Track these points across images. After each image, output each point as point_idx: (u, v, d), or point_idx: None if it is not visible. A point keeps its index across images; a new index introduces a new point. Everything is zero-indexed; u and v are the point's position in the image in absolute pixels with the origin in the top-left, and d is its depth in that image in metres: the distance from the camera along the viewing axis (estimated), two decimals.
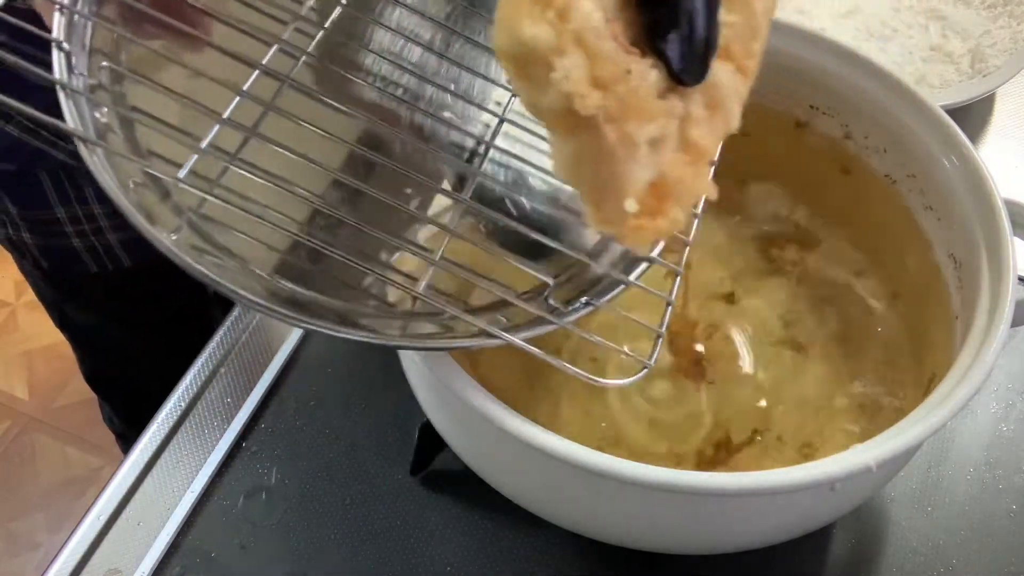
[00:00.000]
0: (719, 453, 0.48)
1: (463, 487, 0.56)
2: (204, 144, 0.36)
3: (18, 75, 0.35)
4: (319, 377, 0.61)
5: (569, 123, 0.30)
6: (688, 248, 0.43)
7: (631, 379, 0.38)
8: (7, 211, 0.75)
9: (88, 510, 0.56)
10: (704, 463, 0.47)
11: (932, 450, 0.58)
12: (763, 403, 0.50)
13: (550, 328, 0.39)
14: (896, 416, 0.43)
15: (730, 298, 0.54)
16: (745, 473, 0.39)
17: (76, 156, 0.69)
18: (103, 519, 0.55)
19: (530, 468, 0.45)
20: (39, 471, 1.41)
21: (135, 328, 0.89)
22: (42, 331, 1.57)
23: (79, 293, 0.88)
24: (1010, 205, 0.48)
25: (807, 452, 0.48)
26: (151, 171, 0.37)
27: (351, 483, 0.57)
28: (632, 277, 0.41)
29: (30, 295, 1.61)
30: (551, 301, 0.40)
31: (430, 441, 0.54)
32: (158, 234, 0.34)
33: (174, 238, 0.35)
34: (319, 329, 0.36)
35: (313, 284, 0.38)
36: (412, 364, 0.49)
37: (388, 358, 0.54)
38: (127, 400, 1.00)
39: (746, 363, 0.51)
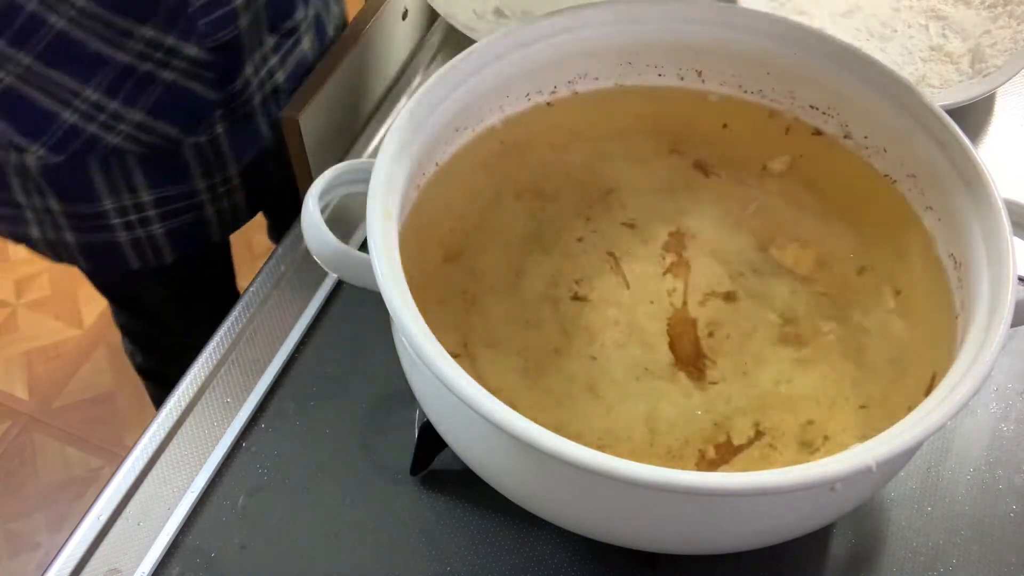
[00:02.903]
0: (719, 453, 0.48)
1: (463, 487, 0.56)
2: None
3: None
4: (319, 377, 0.61)
5: None
6: None
7: None
8: (49, 210, 0.74)
9: (88, 510, 0.56)
10: (704, 463, 0.47)
11: (932, 450, 0.58)
12: (763, 403, 0.50)
13: None
14: (896, 416, 0.43)
15: (730, 297, 0.54)
16: (745, 473, 0.39)
17: (133, 138, 0.69)
18: (103, 519, 0.55)
19: (530, 468, 0.45)
20: (39, 471, 1.41)
21: (171, 301, 0.91)
22: (42, 331, 1.57)
23: (119, 286, 0.90)
24: (1010, 205, 0.48)
25: (807, 452, 0.48)
26: None
27: (351, 483, 0.57)
28: None
29: (30, 295, 1.61)
30: None
31: (430, 441, 0.54)
32: None
33: None
34: None
35: None
36: (412, 364, 0.49)
37: (388, 357, 0.54)
38: (153, 346, 1.03)
39: (746, 362, 0.51)
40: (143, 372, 1.09)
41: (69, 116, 0.67)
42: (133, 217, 0.75)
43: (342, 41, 0.71)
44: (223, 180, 0.76)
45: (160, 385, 1.08)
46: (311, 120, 0.68)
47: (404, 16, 0.78)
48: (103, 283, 0.91)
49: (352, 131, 0.75)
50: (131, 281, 0.85)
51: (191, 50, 0.66)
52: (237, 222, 0.82)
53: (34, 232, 0.76)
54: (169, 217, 0.76)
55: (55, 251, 0.78)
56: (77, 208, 0.73)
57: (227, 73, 0.70)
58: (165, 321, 0.94)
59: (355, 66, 0.72)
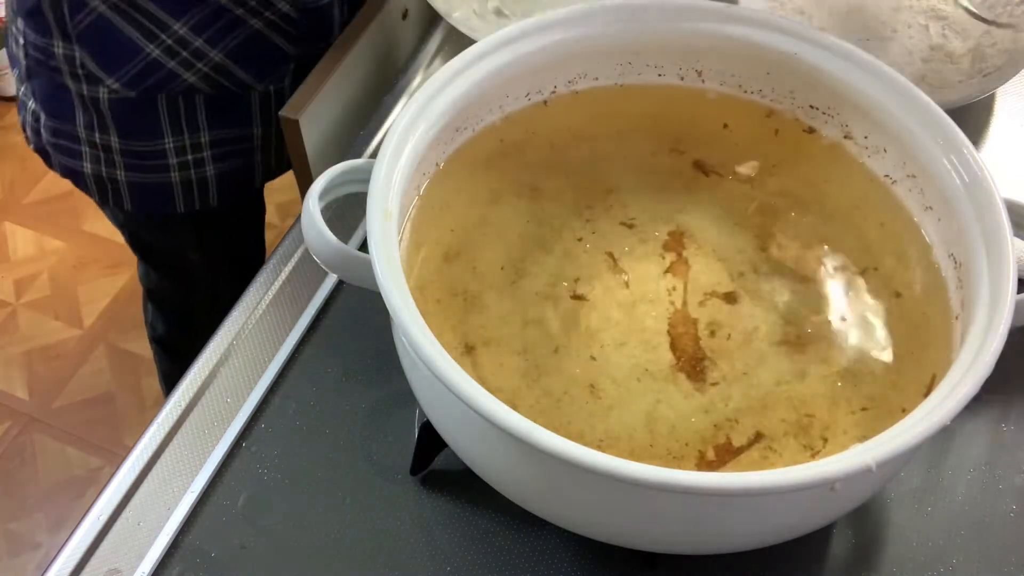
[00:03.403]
0: (719, 454, 0.48)
1: (463, 487, 0.56)
2: None
3: None
4: (319, 377, 0.61)
5: None
6: None
7: None
8: (108, 146, 0.75)
9: (88, 510, 0.56)
10: (704, 464, 0.47)
11: (932, 450, 0.58)
12: (763, 404, 0.49)
13: None
14: (896, 416, 0.43)
15: (730, 297, 0.54)
16: (745, 473, 0.39)
17: (208, 79, 0.71)
18: (103, 519, 0.55)
19: (530, 468, 0.45)
20: (39, 471, 1.41)
21: (205, 255, 0.93)
22: (42, 331, 1.57)
23: (156, 237, 0.91)
24: (1010, 205, 0.48)
25: (808, 453, 0.48)
26: None
27: (351, 483, 0.57)
28: None
29: (30, 295, 1.61)
30: None
31: (430, 441, 0.54)
32: None
33: None
34: None
35: None
36: (412, 364, 0.49)
37: (388, 357, 0.54)
38: (177, 311, 1.04)
39: (747, 363, 0.51)
40: (161, 343, 1.10)
41: (152, 50, 0.69)
42: (189, 157, 0.77)
43: (342, 41, 0.72)
44: (279, 130, 0.79)
45: (174, 359, 1.08)
46: (311, 120, 0.68)
47: (404, 16, 0.78)
48: (141, 238, 0.93)
49: (352, 131, 0.75)
50: (170, 229, 0.87)
51: (283, 6, 0.70)
52: (280, 170, 0.85)
53: (87, 167, 0.77)
54: (221, 159, 0.78)
55: (102, 189, 0.79)
56: (137, 145, 0.75)
57: (313, 34, 0.74)
58: (196, 279, 0.96)
59: (355, 66, 0.72)
